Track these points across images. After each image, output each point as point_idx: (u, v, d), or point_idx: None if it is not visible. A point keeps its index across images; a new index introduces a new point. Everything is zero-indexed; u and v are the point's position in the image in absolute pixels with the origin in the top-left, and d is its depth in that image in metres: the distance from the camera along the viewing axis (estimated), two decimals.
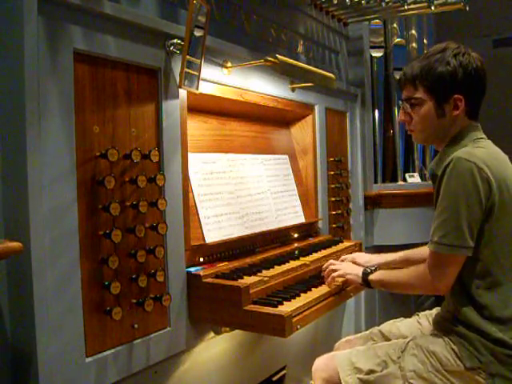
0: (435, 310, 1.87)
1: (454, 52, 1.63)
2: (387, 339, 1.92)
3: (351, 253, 2.48)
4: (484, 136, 1.68)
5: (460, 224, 1.50)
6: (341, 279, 1.95)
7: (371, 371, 1.64)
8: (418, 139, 1.80)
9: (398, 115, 1.83)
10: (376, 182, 3.36)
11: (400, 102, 1.79)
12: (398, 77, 3.47)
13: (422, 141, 1.82)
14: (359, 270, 1.85)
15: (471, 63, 1.61)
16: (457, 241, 1.50)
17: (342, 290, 1.98)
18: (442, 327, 1.69)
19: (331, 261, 2.04)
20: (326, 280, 1.95)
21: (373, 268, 1.82)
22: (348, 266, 1.97)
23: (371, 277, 1.79)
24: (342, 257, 2.16)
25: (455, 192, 1.51)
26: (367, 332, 2.00)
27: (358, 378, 1.64)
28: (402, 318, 2.02)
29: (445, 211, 1.53)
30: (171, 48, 1.66)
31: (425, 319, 1.93)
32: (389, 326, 1.97)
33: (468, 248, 1.51)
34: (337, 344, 2.05)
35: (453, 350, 1.57)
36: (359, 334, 2.03)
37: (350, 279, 1.88)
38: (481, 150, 1.59)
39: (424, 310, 1.99)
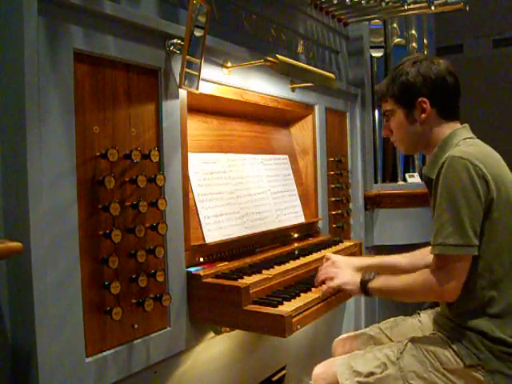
0: (436, 309, 1.87)
1: (412, 61, 1.71)
2: (387, 337, 1.92)
3: (352, 253, 2.50)
4: (473, 136, 1.70)
5: (462, 223, 1.48)
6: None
7: (371, 373, 1.63)
8: (403, 150, 1.86)
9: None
10: (376, 182, 3.36)
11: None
12: None
13: (405, 151, 1.87)
14: (357, 278, 1.75)
15: (430, 68, 1.67)
16: (461, 240, 1.48)
17: (341, 291, 1.97)
18: (441, 326, 1.70)
19: (326, 266, 1.92)
20: (319, 286, 1.85)
21: (372, 275, 1.72)
22: (344, 273, 1.82)
23: (371, 285, 1.70)
24: (327, 254, 2.02)
25: (453, 190, 1.50)
26: (367, 329, 2.00)
27: (358, 382, 1.63)
28: (402, 317, 2.02)
29: (445, 212, 1.51)
30: (171, 48, 1.66)
31: (426, 318, 1.93)
32: (389, 324, 1.97)
33: (473, 246, 1.49)
34: (335, 341, 2.04)
35: (452, 348, 1.57)
36: (358, 332, 2.03)
37: (348, 290, 1.78)
38: (473, 147, 1.60)
39: (425, 309, 1.99)
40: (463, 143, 1.63)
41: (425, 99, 1.67)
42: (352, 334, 2.03)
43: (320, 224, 2.68)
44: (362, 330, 2.03)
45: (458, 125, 1.71)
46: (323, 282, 1.87)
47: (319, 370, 1.78)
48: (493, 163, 1.57)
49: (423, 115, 1.69)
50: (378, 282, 1.70)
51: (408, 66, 1.70)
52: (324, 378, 1.74)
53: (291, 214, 2.42)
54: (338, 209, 2.86)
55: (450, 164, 1.52)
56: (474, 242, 1.49)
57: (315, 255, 2.22)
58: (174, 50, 1.66)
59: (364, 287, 1.72)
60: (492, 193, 1.51)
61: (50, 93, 1.30)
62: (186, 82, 1.67)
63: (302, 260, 2.12)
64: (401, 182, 3.48)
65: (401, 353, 1.64)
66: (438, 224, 1.53)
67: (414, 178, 3.52)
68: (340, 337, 2.06)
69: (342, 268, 1.86)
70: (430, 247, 1.58)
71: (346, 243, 2.57)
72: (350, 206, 3.02)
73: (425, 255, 1.84)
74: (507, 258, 1.56)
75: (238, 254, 2.02)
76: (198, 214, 1.87)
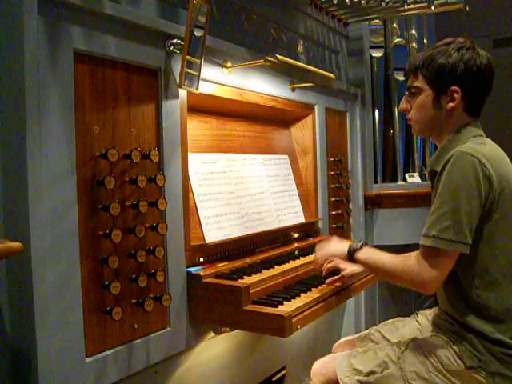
0: (434, 310, 1.87)
1: (458, 46, 1.62)
2: (386, 339, 1.91)
3: None
4: (483, 134, 1.67)
5: (460, 219, 1.46)
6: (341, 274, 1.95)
7: (371, 372, 1.63)
8: (415, 129, 1.79)
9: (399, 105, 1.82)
10: (376, 182, 3.36)
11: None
12: (398, 77, 3.48)
13: (418, 131, 1.79)
14: (345, 247, 1.76)
15: (473, 59, 1.60)
16: (457, 236, 1.46)
17: (342, 290, 1.97)
18: (441, 328, 1.69)
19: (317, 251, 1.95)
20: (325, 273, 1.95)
21: (359, 245, 1.73)
22: (331, 243, 1.87)
23: (358, 255, 1.71)
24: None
25: (456, 186, 1.48)
26: (366, 332, 2.00)
27: (358, 380, 1.63)
28: (400, 318, 2.01)
29: (444, 205, 1.48)
30: (171, 48, 1.66)
31: (424, 318, 1.92)
32: (388, 326, 1.97)
33: (466, 245, 1.47)
34: (335, 345, 2.05)
35: (453, 349, 1.56)
36: (358, 335, 2.02)
37: (336, 256, 1.83)
38: (483, 146, 1.57)
39: (423, 310, 1.99)
40: (473, 140, 1.60)
41: (458, 89, 1.61)
42: (351, 337, 2.03)
43: (320, 224, 2.68)
44: (361, 333, 2.02)
45: (472, 121, 1.66)
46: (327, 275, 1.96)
47: (318, 365, 1.78)
48: (501, 163, 1.56)
49: (451, 104, 1.62)
50: (365, 254, 1.70)
51: (453, 49, 1.61)
52: (323, 373, 1.73)
53: (291, 214, 2.42)
54: (337, 209, 2.86)
55: (458, 159, 1.49)
56: (468, 241, 1.47)
57: None
58: (174, 50, 1.66)
59: (351, 256, 1.73)
60: (495, 194, 1.50)
61: (50, 93, 1.30)
62: (186, 82, 1.67)
63: (302, 260, 2.12)
64: (401, 182, 3.49)
65: (402, 353, 1.63)
66: (434, 215, 1.50)
67: (414, 178, 3.53)
68: (339, 341, 2.06)
69: (329, 243, 1.91)
70: None
71: None
72: (350, 205, 3.02)
73: None
74: (505, 259, 1.54)
75: (238, 254, 2.02)
76: (197, 214, 1.87)
